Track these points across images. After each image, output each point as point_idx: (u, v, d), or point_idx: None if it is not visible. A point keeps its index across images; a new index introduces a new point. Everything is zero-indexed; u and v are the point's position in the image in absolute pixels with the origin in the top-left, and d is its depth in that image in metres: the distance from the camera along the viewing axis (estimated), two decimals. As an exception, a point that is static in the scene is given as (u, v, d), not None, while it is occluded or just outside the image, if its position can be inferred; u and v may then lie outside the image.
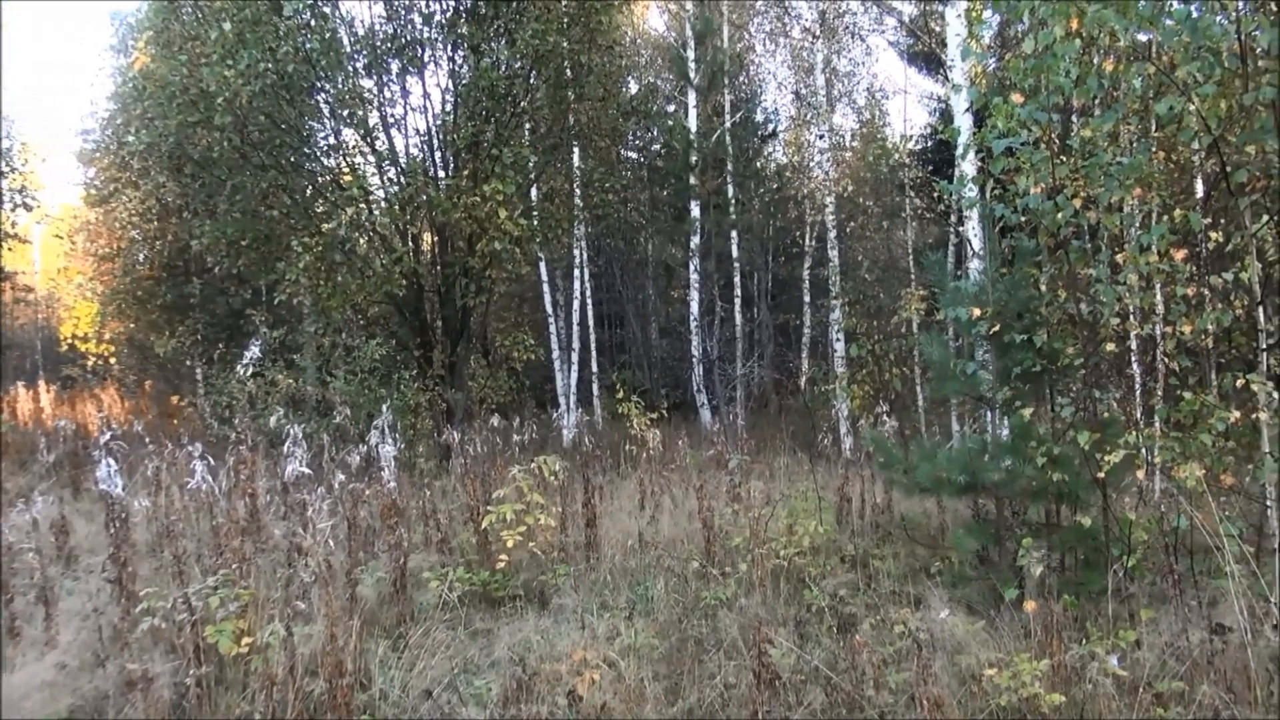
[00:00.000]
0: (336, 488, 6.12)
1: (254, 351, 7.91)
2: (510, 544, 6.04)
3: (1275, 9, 4.11)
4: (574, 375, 17.42)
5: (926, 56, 17.69)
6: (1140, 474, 4.95)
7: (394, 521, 5.73)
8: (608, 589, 5.98)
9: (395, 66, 11.72)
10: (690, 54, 17.61)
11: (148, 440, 9.05)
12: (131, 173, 16.02)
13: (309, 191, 12.54)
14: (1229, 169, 4.43)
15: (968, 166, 8.65)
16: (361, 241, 12.28)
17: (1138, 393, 8.27)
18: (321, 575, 4.55)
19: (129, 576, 4.63)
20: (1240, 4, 4.22)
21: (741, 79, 20.59)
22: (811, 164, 17.08)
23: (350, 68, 11.37)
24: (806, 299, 18.63)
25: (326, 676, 3.96)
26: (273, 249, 11.80)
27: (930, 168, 17.43)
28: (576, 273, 17.64)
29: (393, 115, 12.04)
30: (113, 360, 22.07)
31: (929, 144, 18.62)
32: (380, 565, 5.82)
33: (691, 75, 17.61)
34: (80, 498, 9.58)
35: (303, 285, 11.69)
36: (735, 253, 18.41)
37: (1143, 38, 4.99)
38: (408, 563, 5.72)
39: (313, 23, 10.82)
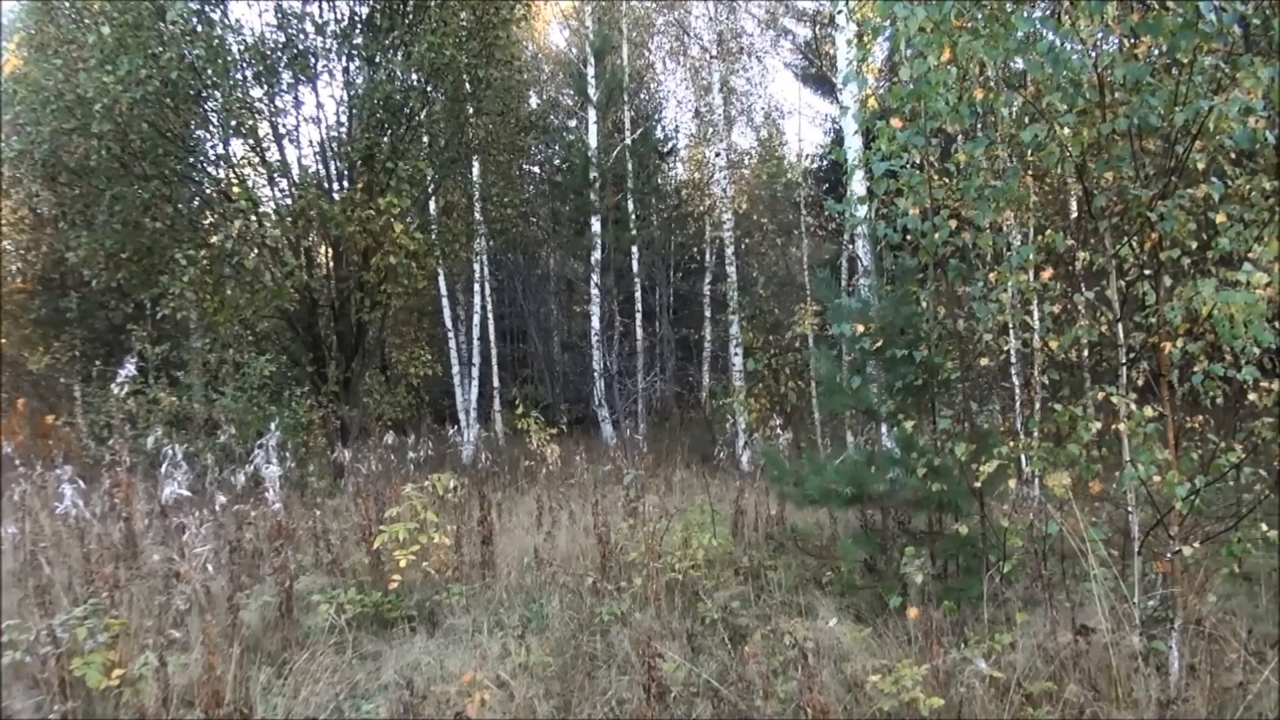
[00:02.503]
0: (219, 510, 5.91)
1: (129, 369, 7.57)
2: (403, 564, 5.93)
3: (1128, 45, 4.39)
4: (474, 391, 17.25)
5: (820, 79, 18.19)
6: (1013, 483, 5.17)
7: (281, 543, 5.58)
8: (502, 607, 5.93)
9: (287, 76, 11.43)
10: (590, 70, 17.72)
11: (18, 462, 8.57)
12: (2, 181, 15.19)
13: (195, 203, 12.11)
14: (1091, 193, 4.69)
15: (857, 186, 8.90)
16: (251, 255, 11.92)
17: (1016, 405, 8.66)
18: (199, 602, 4.39)
19: (-12, 608, 4.38)
20: (1099, 36, 4.47)
21: (642, 96, 20.82)
22: (710, 181, 17.35)
23: (239, 76, 11.03)
24: (707, 314, 18.86)
25: (203, 707, 3.81)
26: (155, 262, 11.33)
27: (824, 186, 17.92)
28: (477, 287, 17.51)
29: (284, 126, 11.74)
30: (-20, 377, 20.84)
31: (823, 163, 19.13)
32: (266, 589, 5.64)
33: (591, 92, 17.73)
34: (-60, 525, 8.99)
35: (188, 299, 11.28)
36: (636, 268, 18.57)
37: (1017, 65, 5.24)
38: (295, 586, 5.57)
39: (198, 29, 10.48)
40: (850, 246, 14.08)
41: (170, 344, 13.31)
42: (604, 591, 5.81)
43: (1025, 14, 4.34)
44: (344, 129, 11.96)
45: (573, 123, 20.61)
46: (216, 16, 10.90)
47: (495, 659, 4.73)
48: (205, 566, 4.81)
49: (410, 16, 11.69)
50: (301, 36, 11.39)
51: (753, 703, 4.14)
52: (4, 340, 18.78)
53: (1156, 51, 4.51)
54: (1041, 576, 4.75)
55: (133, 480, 6.08)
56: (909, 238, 5.45)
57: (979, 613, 4.93)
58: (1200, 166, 4.39)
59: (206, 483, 7.40)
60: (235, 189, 11.69)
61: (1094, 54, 4.42)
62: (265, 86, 11.37)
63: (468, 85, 12.41)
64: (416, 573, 6.14)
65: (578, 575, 6.29)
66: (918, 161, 5.35)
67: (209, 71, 10.53)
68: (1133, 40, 4.48)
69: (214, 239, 10.86)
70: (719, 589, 5.94)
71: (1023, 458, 5.92)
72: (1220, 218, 4.25)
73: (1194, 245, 4.57)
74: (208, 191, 11.97)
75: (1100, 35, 4.46)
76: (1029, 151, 5.17)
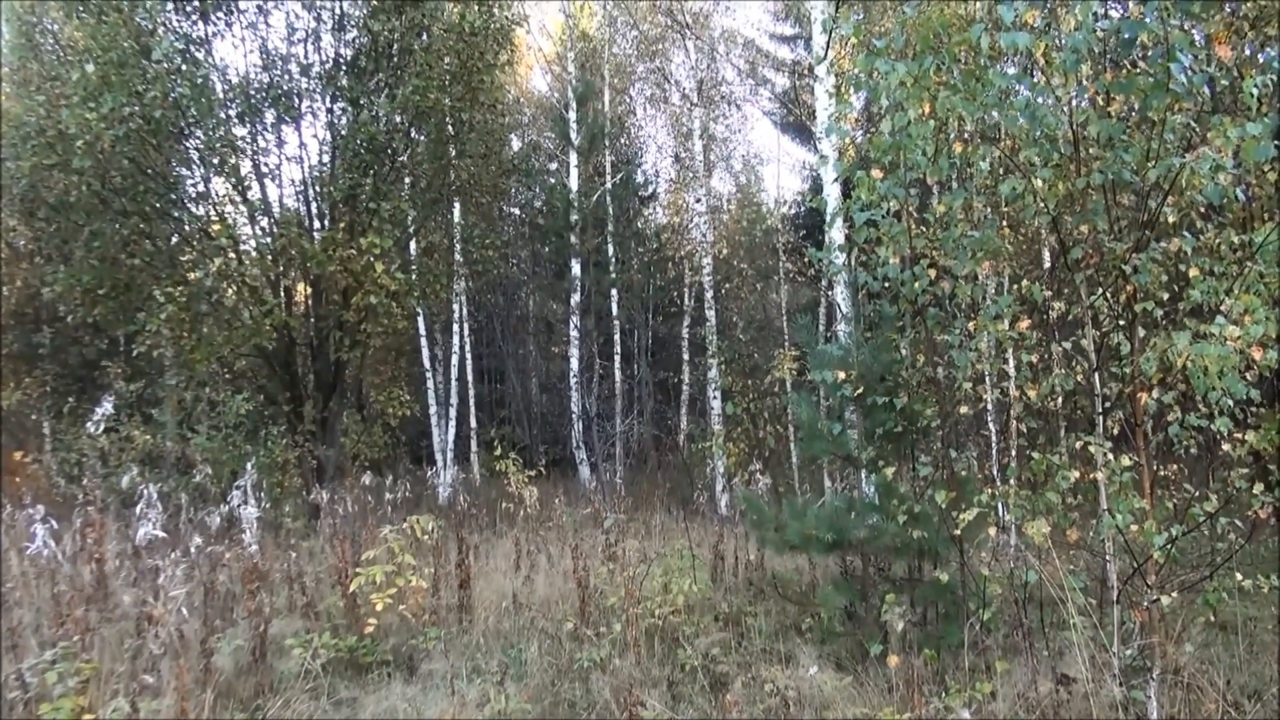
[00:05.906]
0: (193, 551, 5.82)
1: (106, 406, 7.47)
2: (380, 607, 5.86)
3: (1102, 103, 4.51)
4: (451, 431, 17.17)
5: (798, 127, 18.49)
6: (993, 531, 5.20)
7: (255, 586, 5.49)
8: (480, 652, 5.86)
9: (270, 116, 11.48)
10: (572, 115, 17.92)
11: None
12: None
13: (174, 240, 12.07)
14: (1066, 245, 4.80)
15: (836, 234, 9.02)
16: (230, 292, 11.87)
17: (993, 452, 8.73)
18: (173, 645, 4.31)
19: (-46, 652, 4.28)
20: (1073, 93, 4.59)
21: (622, 141, 21.07)
22: (690, 226, 17.52)
23: (222, 115, 11.07)
24: (685, 357, 18.95)
25: (175, 755, 3.74)
26: (133, 298, 11.25)
27: (802, 233, 18.13)
28: (456, 327, 17.51)
29: (266, 164, 11.75)
30: (-54, 413, 20.46)
31: (801, 210, 19.39)
32: (239, 633, 5.55)
33: (573, 136, 17.91)
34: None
35: (165, 336, 11.18)
36: (615, 310, 18.67)
37: (994, 119, 5.36)
38: (269, 629, 5.49)
39: (183, 68, 10.52)
40: (829, 293, 14.23)
41: (145, 381, 13.15)
42: (583, 637, 5.77)
43: (1001, 70, 4.48)
44: (326, 168, 12.00)
45: (554, 166, 20.81)
46: (201, 56, 10.96)
47: (474, 706, 4.67)
48: (180, 610, 4.73)
49: (395, 60, 11.81)
50: (286, 77, 11.46)
51: (734, 751, 4.11)
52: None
53: (1129, 109, 4.64)
54: (1021, 624, 4.77)
55: (105, 520, 5.98)
56: (888, 285, 5.53)
57: (959, 661, 4.93)
58: (1171, 220, 4.50)
59: (181, 523, 7.28)
60: (215, 226, 11.65)
61: (1068, 110, 4.55)
62: (248, 125, 11.41)
63: (451, 128, 12.53)
64: (393, 616, 6.06)
65: (557, 620, 6.24)
66: (897, 211, 5.45)
67: (193, 110, 10.56)
68: (1106, 98, 4.61)
69: (193, 276, 10.81)
70: (699, 635, 5.91)
71: (1001, 505, 5.96)
72: (1193, 271, 4.35)
73: (1165, 297, 4.67)
74: (187, 229, 11.93)
75: (1075, 93, 4.58)
76: (1005, 203, 5.30)
